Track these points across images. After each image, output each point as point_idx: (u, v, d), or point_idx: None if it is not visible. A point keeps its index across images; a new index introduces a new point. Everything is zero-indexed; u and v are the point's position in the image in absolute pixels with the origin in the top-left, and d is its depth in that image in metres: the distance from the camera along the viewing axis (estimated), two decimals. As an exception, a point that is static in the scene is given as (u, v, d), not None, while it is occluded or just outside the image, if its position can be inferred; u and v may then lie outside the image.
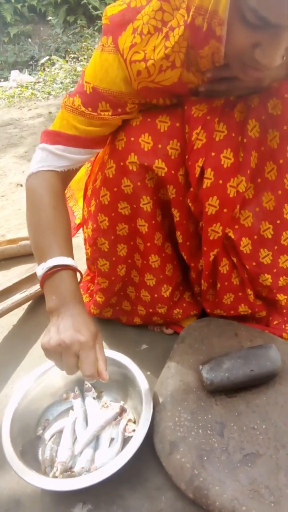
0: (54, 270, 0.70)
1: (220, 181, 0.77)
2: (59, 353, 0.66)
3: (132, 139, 0.78)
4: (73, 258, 0.73)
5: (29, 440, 0.78)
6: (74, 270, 0.72)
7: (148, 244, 0.87)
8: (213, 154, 0.77)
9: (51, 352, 0.66)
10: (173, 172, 0.79)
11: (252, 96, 0.76)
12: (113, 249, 0.91)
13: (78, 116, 0.75)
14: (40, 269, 0.71)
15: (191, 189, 0.79)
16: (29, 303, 1.21)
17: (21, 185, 2.14)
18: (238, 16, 0.56)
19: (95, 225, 0.89)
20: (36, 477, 0.67)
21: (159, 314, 0.98)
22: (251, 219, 0.83)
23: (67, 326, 0.66)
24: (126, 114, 0.76)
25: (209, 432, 0.72)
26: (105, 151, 0.85)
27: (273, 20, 0.54)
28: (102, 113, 0.74)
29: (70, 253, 0.73)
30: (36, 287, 1.18)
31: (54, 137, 0.77)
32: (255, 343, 0.89)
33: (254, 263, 0.86)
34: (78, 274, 0.74)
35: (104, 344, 1.03)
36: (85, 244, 0.99)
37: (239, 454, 0.69)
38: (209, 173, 0.77)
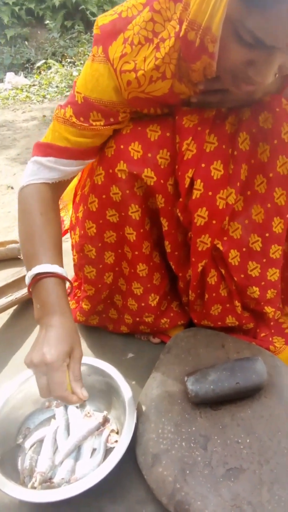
0: (38, 278, 0.69)
1: (210, 193, 0.77)
2: (33, 372, 0.65)
3: (122, 147, 0.77)
4: (61, 266, 0.71)
5: (8, 449, 0.76)
6: (60, 277, 0.70)
7: (136, 253, 0.86)
8: (203, 165, 0.76)
9: (29, 368, 0.66)
10: (162, 181, 0.79)
11: (243, 109, 0.76)
12: (100, 257, 0.90)
13: (70, 128, 0.74)
14: (27, 278, 0.70)
15: (181, 199, 0.79)
16: (15, 307, 1.19)
17: (12, 188, 2.12)
18: (233, 34, 0.56)
19: (82, 232, 0.88)
20: (14, 488, 0.65)
21: (146, 323, 0.97)
22: (240, 231, 0.83)
23: (40, 344, 0.64)
24: (118, 124, 0.76)
25: (192, 445, 0.71)
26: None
27: (268, 43, 0.54)
28: (94, 123, 0.74)
29: (57, 261, 0.72)
30: (22, 292, 1.16)
31: (45, 149, 0.77)
32: (242, 355, 0.88)
33: (242, 275, 0.86)
34: (68, 282, 0.73)
35: (89, 352, 1.03)
36: (72, 250, 0.98)
37: (222, 469, 0.68)
38: (198, 184, 0.77)
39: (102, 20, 0.71)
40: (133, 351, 1.03)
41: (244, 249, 0.84)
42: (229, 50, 0.59)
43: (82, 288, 0.97)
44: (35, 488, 0.69)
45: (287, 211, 0.82)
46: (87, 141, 0.75)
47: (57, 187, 0.80)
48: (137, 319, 0.97)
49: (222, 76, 0.66)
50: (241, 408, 0.77)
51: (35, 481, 0.70)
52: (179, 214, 0.81)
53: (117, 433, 0.79)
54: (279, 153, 0.76)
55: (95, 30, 0.72)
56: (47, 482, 0.71)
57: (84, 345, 1.06)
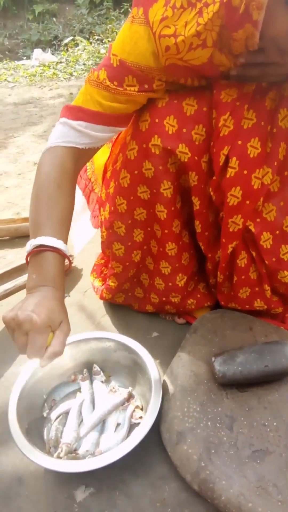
0: (41, 249, 0.66)
1: (245, 171, 0.74)
2: (11, 328, 0.60)
3: (157, 120, 0.75)
4: (65, 242, 0.68)
5: (35, 419, 0.78)
6: (61, 254, 0.68)
7: (166, 231, 0.85)
8: (239, 142, 0.73)
9: (6, 324, 0.61)
10: (196, 158, 0.76)
11: (285, 84, 0.72)
12: (130, 234, 0.88)
13: (103, 91, 0.72)
14: (28, 245, 0.68)
15: (214, 177, 0.76)
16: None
17: (38, 165, 2.12)
18: (282, 0, 0.53)
19: (112, 208, 0.87)
20: (40, 456, 0.66)
21: (172, 303, 0.96)
22: (274, 213, 0.80)
23: (30, 304, 0.60)
24: (152, 92, 0.73)
25: (218, 425, 0.70)
26: (127, 132, 0.82)
27: None
28: (128, 88, 0.71)
29: (62, 236, 0.69)
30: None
31: (76, 113, 0.74)
32: (270, 339, 0.87)
33: (274, 259, 0.83)
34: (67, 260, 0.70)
35: (113, 329, 1.03)
36: (101, 226, 0.97)
37: (248, 450, 0.67)
38: (234, 162, 0.74)
39: None
40: (157, 331, 1.03)
41: (277, 232, 0.81)
42: (276, 18, 0.56)
43: (110, 266, 0.97)
44: (60, 458, 0.70)
45: None
46: (120, 106, 0.73)
47: (83, 155, 0.77)
48: (164, 298, 0.96)
49: (266, 47, 0.62)
50: (268, 392, 0.76)
51: (61, 451, 0.71)
52: (211, 193, 0.79)
53: (142, 409, 0.79)
54: None
55: None
56: (72, 453, 0.72)
57: (108, 322, 1.06)
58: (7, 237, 1.46)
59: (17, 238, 1.45)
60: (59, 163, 0.74)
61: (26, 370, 0.80)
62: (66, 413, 0.79)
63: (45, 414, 0.80)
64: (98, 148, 0.80)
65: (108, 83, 0.71)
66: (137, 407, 0.79)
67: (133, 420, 0.77)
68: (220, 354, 0.78)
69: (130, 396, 0.81)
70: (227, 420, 0.71)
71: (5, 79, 4.46)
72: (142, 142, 0.77)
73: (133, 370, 0.84)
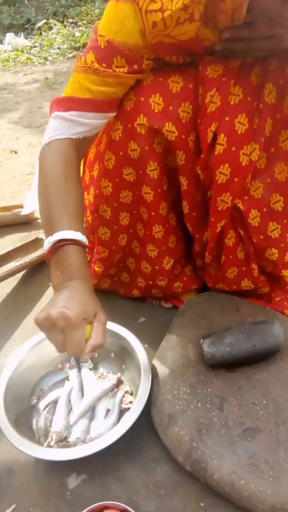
0: (60, 244, 0.64)
1: (233, 148, 0.73)
2: (46, 329, 0.59)
3: (142, 99, 0.73)
4: (83, 233, 0.67)
5: (23, 410, 0.76)
6: (82, 245, 0.66)
7: (153, 214, 0.84)
8: (227, 118, 0.72)
9: (40, 326, 0.59)
10: (183, 136, 0.75)
11: (270, 59, 0.71)
12: (115, 217, 0.87)
13: (92, 75, 0.69)
14: (46, 243, 0.66)
15: (202, 155, 0.75)
16: (23, 272, 1.18)
17: (15, 152, 2.07)
18: None
19: (97, 191, 0.85)
20: (30, 446, 0.66)
21: (159, 286, 0.95)
22: (261, 190, 0.80)
23: (61, 301, 0.59)
24: (141, 73, 0.71)
25: (208, 405, 0.71)
26: None
27: None
28: (117, 69, 0.69)
29: (79, 227, 0.67)
30: (31, 256, 1.15)
31: (67, 103, 0.71)
32: (256, 319, 0.87)
33: (261, 237, 0.83)
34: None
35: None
36: (85, 211, 0.95)
37: (239, 429, 0.67)
38: (222, 138, 0.73)
39: None
40: (144, 316, 1.02)
41: (264, 209, 0.81)
42: None
43: (95, 251, 0.95)
44: (51, 447, 0.69)
45: None
46: (111, 90, 0.70)
47: (81, 145, 0.75)
48: (150, 282, 0.95)
49: (255, 20, 0.60)
50: (257, 371, 0.77)
51: (51, 440, 0.70)
52: (199, 172, 0.77)
53: (131, 394, 0.79)
54: None
55: None
56: (63, 442, 0.71)
57: (95, 309, 1.05)
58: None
59: (-3, 227, 1.42)
60: (62, 154, 0.71)
61: (13, 360, 0.78)
62: (55, 402, 0.78)
63: (33, 404, 0.79)
64: (94, 137, 0.77)
65: (96, 65, 0.68)
66: (126, 392, 0.79)
67: (123, 406, 0.77)
68: (208, 336, 0.78)
69: (119, 382, 0.81)
70: (217, 401, 0.71)
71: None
72: (127, 122, 0.75)
73: (122, 356, 0.83)
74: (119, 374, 0.81)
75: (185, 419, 0.69)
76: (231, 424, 0.68)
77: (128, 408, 0.75)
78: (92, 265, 0.98)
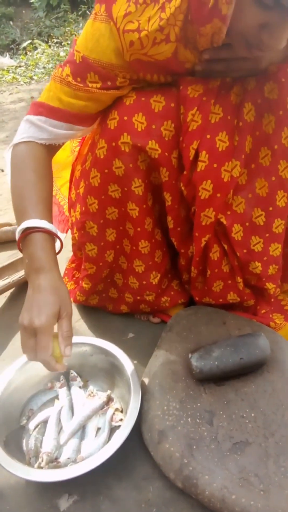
0: (27, 233, 0.68)
1: (215, 165, 0.76)
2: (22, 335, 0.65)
3: (125, 118, 0.75)
4: (49, 221, 0.70)
5: (12, 431, 0.76)
6: (48, 233, 0.69)
7: (138, 229, 0.85)
8: (208, 136, 0.75)
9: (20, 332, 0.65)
10: (166, 154, 0.77)
11: (249, 79, 0.74)
12: (102, 234, 0.88)
13: (65, 87, 0.73)
14: (17, 233, 0.70)
15: (185, 172, 0.77)
16: (11, 290, 1.17)
17: (2, 170, 2.07)
18: None
19: (83, 208, 0.86)
20: (20, 468, 0.65)
21: (147, 301, 0.96)
22: (243, 205, 0.82)
23: (29, 306, 0.64)
24: (116, 89, 0.73)
25: (198, 420, 0.71)
26: (95, 131, 0.82)
27: (286, 4, 0.53)
28: (90, 84, 0.72)
29: (46, 216, 0.70)
30: (19, 274, 1.15)
31: (37, 108, 0.76)
32: (243, 332, 0.88)
33: (245, 251, 0.85)
34: (57, 240, 0.72)
35: (89, 333, 1.02)
36: (72, 228, 0.96)
37: (228, 443, 0.68)
38: (203, 155, 0.75)
39: None
40: (133, 331, 1.03)
41: (247, 224, 0.83)
42: (245, 12, 0.57)
43: (83, 267, 0.96)
44: (41, 468, 0.69)
45: None
46: (80, 103, 0.73)
47: (48, 150, 0.78)
48: (138, 297, 0.96)
49: (234, 42, 0.63)
50: (245, 383, 0.77)
51: (42, 461, 0.69)
52: (182, 188, 0.79)
53: (122, 411, 0.79)
54: (284, 125, 0.75)
55: None
56: (54, 462, 0.70)
57: (84, 326, 1.05)
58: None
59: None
60: (30, 151, 0.76)
61: (1, 381, 0.78)
62: (45, 422, 0.78)
63: (23, 425, 0.78)
64: (60, 146, 0.81)
65: (70, 79, 0.72)
66: (116, 409, 0.79)
67: (114, 423, 0.77)
68: (197, 350, 0.79)
69: (109, 399, 0.81)
70: (206, 415, 0.72)
71: None
72: (111, 140, 0.77)
73: (111, 373, 0.83)
74: (108, 392, 0.81)
75: (176, 435, 0.69)
76: (221, 438, 0.68)
77: (119, 426, 0.75)
78: (80, 281, 0.99)
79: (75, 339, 0.85)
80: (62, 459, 0.71)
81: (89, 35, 0.70)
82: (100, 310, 1.07)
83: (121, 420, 0.76)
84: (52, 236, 0.70)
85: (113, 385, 0.83)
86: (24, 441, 0.75)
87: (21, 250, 0.71)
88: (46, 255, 0.68)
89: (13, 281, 1.12)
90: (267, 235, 0.85)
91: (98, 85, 0.72)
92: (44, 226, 0.68)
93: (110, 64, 0.70)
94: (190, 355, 0.78)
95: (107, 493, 0.69)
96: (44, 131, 0.75)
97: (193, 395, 0.75)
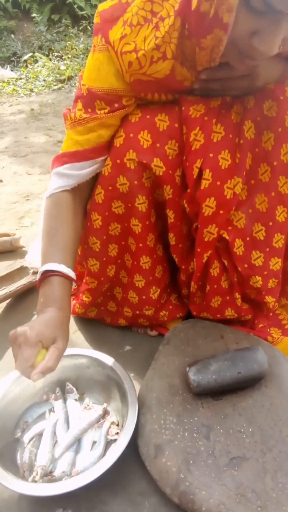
0: (47, 275, 0.73)
1: (218, 183, 0.77)
2: (11, 342, 0.66)
3: (131, 135, 0.77)
4: (67, 266, 0.74)
5: (7, 443, 0.75)
6: (65, 277, 0.74)
7: (141, 245, 0.86)
8: (211, 155, 0.76)
9: (9, 339, 0.67)
10: (170, 172, 0.78)
11: (248, 98, 0.76)
12: (105, 249, 0.89)
13: (77, 128, 0.77)
14: (38, 274, 0.75)
15: (188, 190, 0.79)
16: (8, 301, 1.17)
17: (1, 181, 2.08)
18: (242, 0, 0.55)
19: (88, 224, 0.87)
20: (14, 482, 0.64)
21: (146, 316, 0.96)
22: (244, 220, 0.83)
23: (30, 323, 0.67)
24: (124, 109, 0.75)
25: (195, 435, 0.71)
26: None
27: (277, 7, 0.53)
28: (99, 111, 0.75)
29: (64, 261, 0.74)
30: (16, 285, 1.14)
31: (61, 159, 0.80)
32: (241, 346, 0.88)
33: (246, 265, 0.86)
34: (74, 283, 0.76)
35: (86, 344, 1.01)
36: None
37: (226, 458, 0.67)
38: (207, 174, 0.76)
39: (103, 6, 0.71)
40: (130, 344, 1.02)
41: (248, 239, 0.84)
42: (237, 19, 0.58)
43: (84, 281, 0.96)
44: (36, 482, 0.68)
45: None
46: (94, 135, 0.76)
47: (78, 191, 0.82)
48: (137, 312, 0.96)
49: (226, 51, 0.64)
50: (242, 398, 0.77)
51: (36, 475, 0.68)
52: (185, 205, 0.81)
53: (118, 425, 0.78)
54: (283, 141, 0.76)
55: (95, 19, 0.72)
56: (48, 476, 0.69)
57: (81, 338, 1.04)
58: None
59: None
60: (56, 201, 0.81)
61: (-4, 392, 0.77)
62: (40, 434, 0.77)
63: (17, 437, 0.77)
64: (89, 183, 0.84)
65: (82, 112, 0.76)
66: (112, 423, 0.78)
67: (109, 437, 0.76)
68: (194, 364, 0.78)
69: (105, 413, 0.80)
70: (203, 430, 0.71)
71: None
72: (116, 158, 0.79)
73: (108, 386, 0.83)
74: (105, 405, 0.81)
75: (172, 449, 0.68)
76: (218, 453, 0.68)
77: (115, 440, 0.74)
78: (80, 295, 0.99)
79: (72, 351, 0.86)
80: (56, 473, 0.70)
81: (91, 67, 0.74)
82: (97, 322, 1.06)
83: (117, 433, 0.76)
84: (69, 279, 0.74)
85: (109, 398, 0.83)
86: (18, 454, 0.74)
87: (39, 288, 0.75)
88: (61, 297, 0.72)
89: (10, 291, 1.12)
90: (268, 249, 0.86)
91: (106, 110, 0.75)
92: (61, 270, 0.73)
93: (112, 89, 0.73)
94: (187, 369, 0.78)
95: (102, 508, 0.68)
96: (71, 177, 0.80)
97: (190, 409, 0.75)
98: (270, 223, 0.83)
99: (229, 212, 0.80)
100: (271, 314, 0.96)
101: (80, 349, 0.87)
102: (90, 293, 0.97)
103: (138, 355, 0.99)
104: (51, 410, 0.82)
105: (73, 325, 1.08)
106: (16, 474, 0.67)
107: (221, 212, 0.79)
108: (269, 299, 0.91)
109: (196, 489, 0.63)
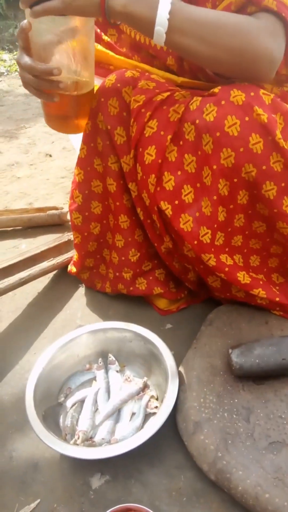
0: None
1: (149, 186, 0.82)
2: None
3: (102, 99, 0.82)
4: None
5: (51, 406, 0.78)
6: None
7: (118, 203, 0.90)
8: (140, 149, 0.80)
9: None
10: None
11: (194, 99, 0.76)
12: (87, 204, 0.95)
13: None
14: None
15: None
16: (55, 272, 1.20)
17: (50, 155, 2.12)
18: None
19: (74, 177, 0.94)
20: (57, 442, 0.67)
21: (124, 280, 0.98)
22: (191, 223, 0.80)
23: None
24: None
25: (234, 416, 0.71)
26: None
27: None
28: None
29: None
30: (63, 257, 1.17)
31: None
32: (286, 333, 0.86)
33: (202, 266, 0.86)
34: None
35: (127, 320, 1.02)
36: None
37: (265, 441, 0.67)
38: (139, 169, 0.82)
39: None
40: (171, 322, 1.03)
41: (195, 242, 0.81)
42: None
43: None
44: (77, 445, 0.71)
45: (230, 200, 0.77)
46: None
47: None
48: (117, 274, 0.99)
49: None
50: (285, 385, 0.76)
51: (78, 438, 0.71)
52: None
53: (157, 399, 0.80)
54: (223, 146, 0.72)
55: None
56: (89, 441, 0.72)
57: (121, 314, 1.06)
58: (20, 227, 1.46)
59: (30, 228, 1.45)
60: None
61: (42, 358, 0.80)
62: (82, 401, 0.79)
63: (61, 402, 0.80)
64: None
65: None
66: (152, 397, 0.80)
67: (148, 410, 0.78)
68: (237, 346, 0.78)
69: (145, 386, 0.81)
70: (243, 412, 0.71)
71: (16, 70, 4.44)
72: (93, 118, 0.85)
73: (148, 360, 0.84)
74: (145, 378, 0.82)
75: (211, 427, 0.69)
76: (257, 436, 0.68)
77: (153, 413, 0.76)
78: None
79: (115, 324, 0.87)
80: (96, 438, 0.73)
81: None
82: (139, 300, 1.07)
83: (156, 407, 0.77)
84: None
85: (150, 373, 0.84)
86: (61, 417, 0.78)
87: None
88: None
89: (57, 263, 1.15)
90: (213, 249, 0.82)
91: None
92: None
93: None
94: (230, 351, 0.77)
95: (138, 476, 0.70)
96: None
97: (231, 390, 0.75)
98: (215, 226, 0.79)
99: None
100: None
101: (124, 323, 0.89)
102: (77, 249, 1.02)
103: (179, 334, 0.99)
104: (93, 379, 0.84)
105: (108, 302, 1.10)
106: (58, 436, 0.70)
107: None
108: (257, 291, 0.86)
109: (233, 469, 0.64)
